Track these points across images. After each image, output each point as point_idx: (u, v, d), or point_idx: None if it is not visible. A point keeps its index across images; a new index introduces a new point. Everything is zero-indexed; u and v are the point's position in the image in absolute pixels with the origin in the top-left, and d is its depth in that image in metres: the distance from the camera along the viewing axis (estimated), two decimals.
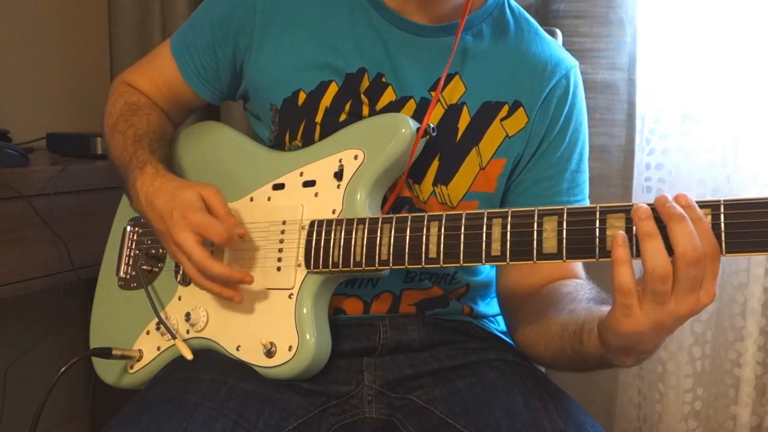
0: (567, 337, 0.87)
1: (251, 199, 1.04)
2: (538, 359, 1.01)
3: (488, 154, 1.03)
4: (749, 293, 1.53)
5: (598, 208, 0.78)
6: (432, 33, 1.03)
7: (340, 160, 0.99)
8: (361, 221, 0.93)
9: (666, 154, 1.61)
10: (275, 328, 0.95)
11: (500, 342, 1.10)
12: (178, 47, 1.14)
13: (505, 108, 1.03)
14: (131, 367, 1.08)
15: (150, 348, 1.07)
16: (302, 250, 0.96)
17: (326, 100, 1.03)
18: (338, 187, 0.98)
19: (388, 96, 1.02)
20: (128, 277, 1.15)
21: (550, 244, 0.80)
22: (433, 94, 1.01)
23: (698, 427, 1.63)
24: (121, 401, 0.97)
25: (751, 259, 1.51)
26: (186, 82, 1.14)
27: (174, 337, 1.02)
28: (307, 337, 0.93)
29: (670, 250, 0.71)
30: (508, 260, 0.83)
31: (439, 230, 0.87)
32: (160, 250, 1.11)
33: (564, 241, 0.79)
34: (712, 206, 0.73)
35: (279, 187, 1.03)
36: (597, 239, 0.77)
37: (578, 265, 1.05)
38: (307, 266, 0.95)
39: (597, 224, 0.77)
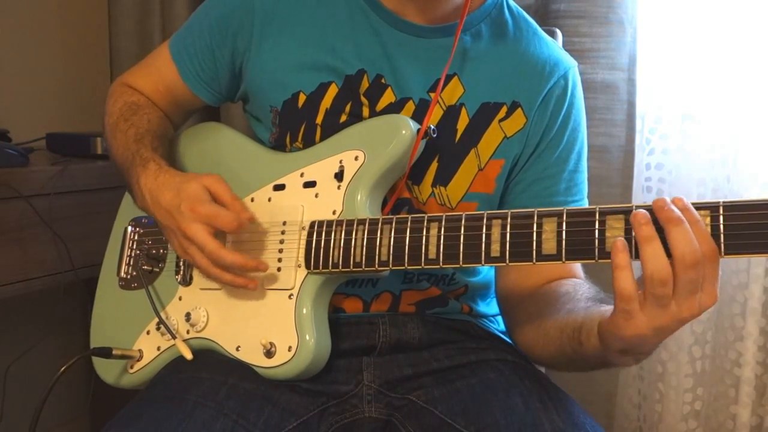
0: (565, 337, 0.87)
1: (252, 200, 1.05)
2: (538, 359, 1.01)
3: (486, 155, 1.03)
4: (749, 293, 1.53)
5: (597, 209, 0.78)
6: (431, 34, 1.03)
7: (340, 161, 0.99)
8: (361, 222, 0.93)
9: (666, 154, 1.61)
10: (275, 329, 0.95)
11: (500, 342, 1.10)
12: (177, 49, 1.14)
13: (504, 109, 1.03)
14: (131, 367, 1.08)
15: (150, 348, 1.07)
16: (302, 251, 0.96)
17: (326, 102, 1.03)
18: (339, 188, 0.98)
19: (388, 97, 1.02)
20: (129, 277, 1.15)
21: (549, 246, 0.80)
22: (432, 95, 1.01)
23: (698, 427, 1.63)
24: (121, 401, 0.98)
25: (750, 259, 1.51)
26: (185, 84, 1.14)
27: (174, 337, 1.02)
28: (307, 337, 0.93)
29: (669, 253, 0.71)
30: (507, 261, 0.82)
31: (439, 231, 0.87)
32: (161, 251, 1.12)
33: (563, 242, 0.79)
34: (710, 208, 0.73)
35: (279, 187, 1.03)
36: (596, 240, 0.77)
37: (577, 265, 1.04)
38: (307, 267, 0.95)
39: (596, 225, 0.77)
